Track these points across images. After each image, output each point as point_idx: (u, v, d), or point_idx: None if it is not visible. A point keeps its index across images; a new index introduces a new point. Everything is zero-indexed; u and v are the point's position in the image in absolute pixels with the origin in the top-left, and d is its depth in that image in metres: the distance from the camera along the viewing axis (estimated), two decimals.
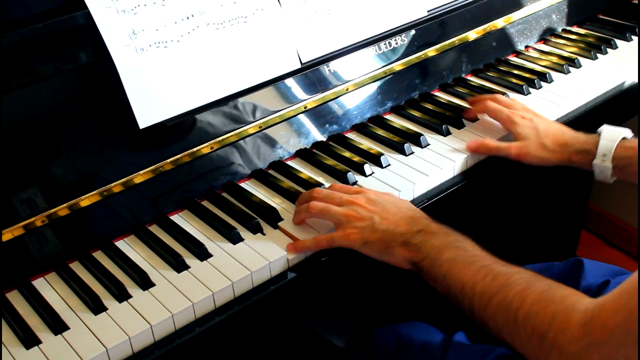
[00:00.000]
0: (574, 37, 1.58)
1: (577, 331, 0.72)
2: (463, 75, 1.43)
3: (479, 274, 0.85)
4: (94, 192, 1.01)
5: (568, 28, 1.62)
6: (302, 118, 1.21)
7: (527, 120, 1.19)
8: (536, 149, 1.15)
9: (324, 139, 1.24)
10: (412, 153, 1.20)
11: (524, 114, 1.20)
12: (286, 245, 0.99)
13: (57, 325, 0.89)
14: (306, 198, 1.03)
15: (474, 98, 1.31)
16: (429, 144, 1.22)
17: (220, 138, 1.11)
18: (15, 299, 0.95)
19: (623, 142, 1.11)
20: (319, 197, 1.01)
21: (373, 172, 1.15)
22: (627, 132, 1.13)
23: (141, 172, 1.05)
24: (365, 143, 1.23)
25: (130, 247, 1.03)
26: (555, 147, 1.15)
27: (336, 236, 0.97)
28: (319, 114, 1.23)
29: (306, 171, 1.17)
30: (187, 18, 1.07)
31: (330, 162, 1.17)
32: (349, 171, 1.14)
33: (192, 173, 1.10)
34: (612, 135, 1.12)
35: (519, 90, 1.37)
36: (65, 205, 0.99)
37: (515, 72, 1.43)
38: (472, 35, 1.42)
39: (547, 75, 1.41)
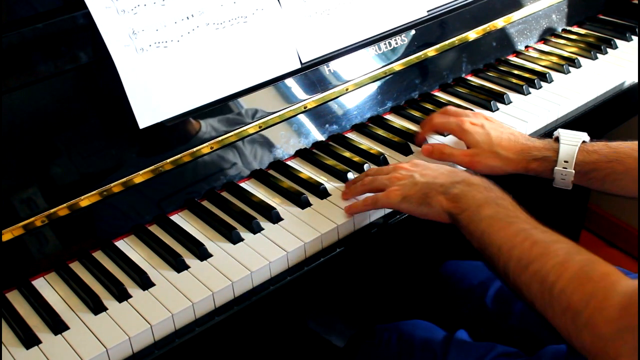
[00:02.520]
0: (574, 37, 1.58)
1: (614, 313, 0.70)
2: (463, 75, 1.43)
3: (517, 238, 0.83)
4: (94, 192, 1.01)
5: (568, 28, 1.62)
6: (302, 118, 1.21)
7: (478, 126, 1.12)
8: (488, 158, 1.09)
9: (324, 139, 1.25)
10: (412, 153, 1.20)
11: (474, 120, 1.13)
12: (282, 244, 0.99)
13: (57, 325, 0.89)
14: (359, 179, 1.09)
15: (424, 121, 1.22)
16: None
17: (220, 138, 1.11)
18: (15, 299, 0.95)
19: (584, 146, 1.06)
20: (370, 173, 1.08)
21: None
22: (585, 136, 1.08)
23: (141, 172, 1.05)
24: (365, 143, 1.23)
25: (130, 247, 1.03)
26: (509, 154, 1.08)
27: (379, 196, 1.01)
28: (319, 114, 1.23)
29: (306, 171, 1.17)
30: (187, 18, 1.07)
31: (330, 162, 1.17)
32: (349, 171, 1.14)
33: (192, 173, 1.10)
34: (572, 140, 1.06)
35: (518, 90, 1.37)
36: (65, 205, 0.99)
37: (515, 72, 1.43)
38: (472, 35, 1.42)
39: (547, 75, 1.40)
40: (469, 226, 0.90)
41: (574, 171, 1.05)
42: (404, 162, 1.07)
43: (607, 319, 0.71)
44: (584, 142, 1.07)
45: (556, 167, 1.06)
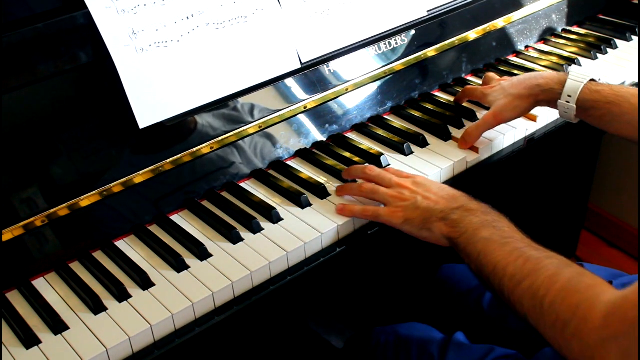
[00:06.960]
0: (574, 37, 1.58)
1: (598, 322, 0.72)
2: (463, 76, 1.43)
3: (512, 256, 0.85)
4: (94, 192, 1.01)
5: (568, 28, 1.62)
6: (302, 118, 1.21)
7: (495, 85, 1.22)
8: (506, 105, 1.17)
9: (324, 139, 1.25)
10: (412, 153, 1.20)
11: (493, 84, 1.24)
12: (282, 244, 0.99)
13: (57, 325, 0.89)
14: (358, 174, 1.09)
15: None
16: (428, 144, 1.22)
17: (220, 138, 1.11)
18: (15, 299, 0.95)
19: (590, 85, 1.11)
20: (371, 176, 1.07)
21: None
22: (594, 76, 1.13)
23: (141, 172, 1.05)
24: (365, 143, 1.23)
25: (130, 247, 1.03)
26: (520, 91, 1.17)
27: (382, 211, 1.02)
28: (319, 114, 1.23)
29: (306, 171, 1.17)
30: (187, 18, 1.07)
31: (331, 162, 1.17)
32: None
33: (192, 173, 1.10)
34: (579, 77, 1.12)
35: None
36: (65, 205, 0.99)
37: (515, 72, 1.43)
38: (472, 35, 1.42)
39: None
40: (467, 248, 0.92)
41: (575, 106, 1.11)
42: (406, 179, 1.05)
43: (591, 329, 0.72)
44: (592, 80, 1.12)
45: (559, 100, 1.13)
